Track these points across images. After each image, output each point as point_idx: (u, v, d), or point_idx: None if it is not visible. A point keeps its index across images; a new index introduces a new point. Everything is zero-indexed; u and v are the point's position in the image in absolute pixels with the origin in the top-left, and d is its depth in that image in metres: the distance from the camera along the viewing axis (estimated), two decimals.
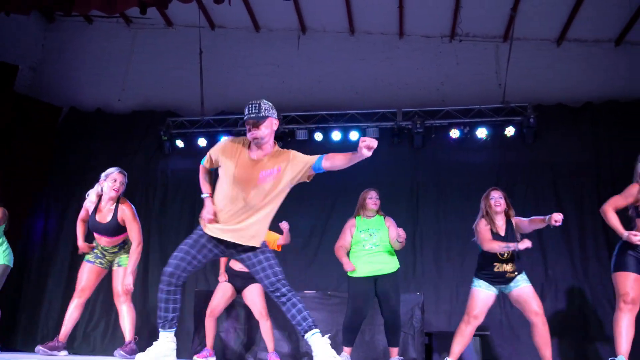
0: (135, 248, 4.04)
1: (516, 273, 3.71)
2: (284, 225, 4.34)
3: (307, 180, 2.90)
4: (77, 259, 4.86)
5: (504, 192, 3.89)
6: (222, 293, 4.52)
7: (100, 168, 6.50)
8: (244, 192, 2.82)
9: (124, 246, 4.19)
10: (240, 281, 4.51)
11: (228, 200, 2.86)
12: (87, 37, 7.68)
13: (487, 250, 3.68)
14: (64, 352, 4.08)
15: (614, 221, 3.40)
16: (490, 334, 5.24)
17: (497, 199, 3.81)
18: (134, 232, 4.05)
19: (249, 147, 2.88)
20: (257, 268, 2.88)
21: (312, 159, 2.82)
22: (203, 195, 3.02)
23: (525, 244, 3.47)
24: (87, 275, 4.09)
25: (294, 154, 2.89)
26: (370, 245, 4.15)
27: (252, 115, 2.76)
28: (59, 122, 7.11)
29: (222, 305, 4.55)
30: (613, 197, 3.51)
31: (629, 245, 3.32)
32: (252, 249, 2.91)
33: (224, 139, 3.03)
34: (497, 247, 3.63)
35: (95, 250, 4.14)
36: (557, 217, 3.34)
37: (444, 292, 5.69)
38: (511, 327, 5.41)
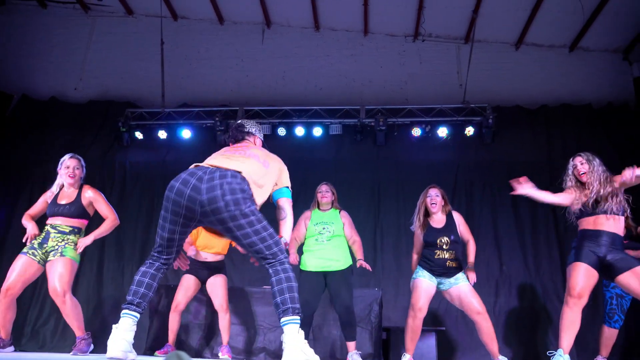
0: (110, 222, 3.86)
1: (455, 264, 3.82)
2: None
3: None
4: None
5: (442, 190, 4.04)
6: (186, 287, 4.45)
7: (53, 160, 6.22)
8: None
9: (77, 234, 3.82)
10: (205, 273, 4.45)
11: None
12: (41, 23, 7.37)
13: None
14: (10, 349, 3.85)
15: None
16: (446, 329, 5.36)
17: (433, 197, 3.98)
18: (105, 209, 3.87)
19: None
20: (236, 234, 2.54)
21: (282, 181, 3.02)
22: None
23: None
24: (17, 271, 3.64)
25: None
26: (323, 239, 4.19)
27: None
28: (9, 110, 6.81)
29: (186, 300, 4.48)
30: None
31: (585, 237, 3.31)
32: (236, 209, 2.53)
33: None
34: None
35: (33, 241, 3.75)
36: (472, 279, 3.83)
37: (403, 288, 5.76)
38: (466, 323, 5.54)
